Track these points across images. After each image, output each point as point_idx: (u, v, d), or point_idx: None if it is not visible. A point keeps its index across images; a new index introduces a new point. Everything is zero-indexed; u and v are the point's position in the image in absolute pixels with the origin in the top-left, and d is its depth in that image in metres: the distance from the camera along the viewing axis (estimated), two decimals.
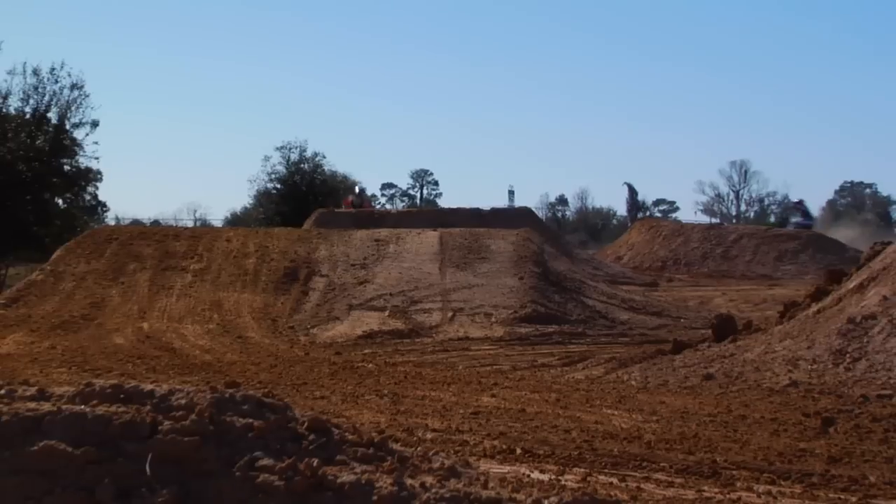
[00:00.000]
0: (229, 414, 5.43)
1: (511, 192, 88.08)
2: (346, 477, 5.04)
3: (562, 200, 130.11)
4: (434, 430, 12.16)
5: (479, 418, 13.06)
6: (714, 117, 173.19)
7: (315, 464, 5.07)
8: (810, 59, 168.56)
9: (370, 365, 19.51)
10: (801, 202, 76.31)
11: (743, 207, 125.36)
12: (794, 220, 67.61)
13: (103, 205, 57.10)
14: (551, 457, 10.75)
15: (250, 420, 5.42)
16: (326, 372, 18.18)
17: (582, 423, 12.65)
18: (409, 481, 5.07)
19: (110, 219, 61.98)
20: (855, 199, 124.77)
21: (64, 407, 5.41)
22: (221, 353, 21.49)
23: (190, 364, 19.49)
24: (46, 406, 5.47)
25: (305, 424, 5.55)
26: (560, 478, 9.52)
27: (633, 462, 10.50)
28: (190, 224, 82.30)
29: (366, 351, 22.65)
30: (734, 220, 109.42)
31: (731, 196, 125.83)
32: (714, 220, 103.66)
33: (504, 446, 11.16)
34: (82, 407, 5.42)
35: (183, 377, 17.10)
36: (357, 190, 28.88)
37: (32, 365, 18.72)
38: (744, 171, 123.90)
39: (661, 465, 10.40)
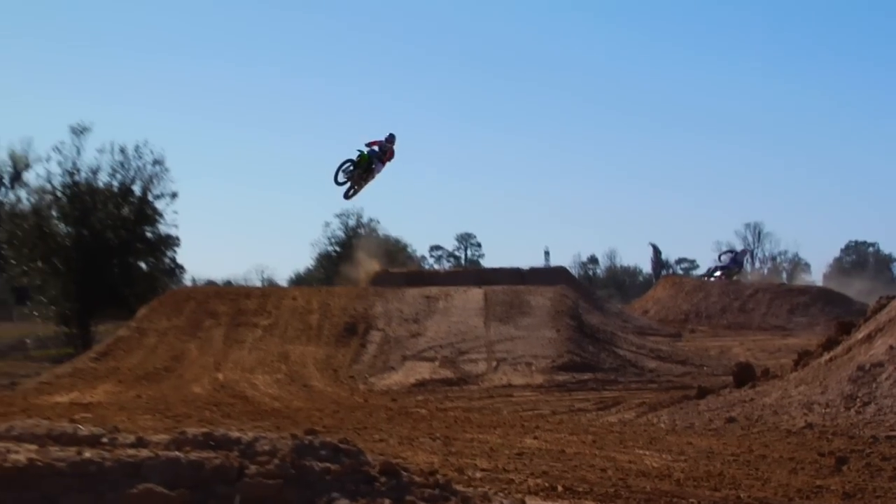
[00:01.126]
0: (308, 458, 5.49)
1: (547, 253, 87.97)
2: None
3: (592, 259, 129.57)
4: (483, 470, 12.14)
5: (524, 458, 13.03)
6: (730, 183, 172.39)
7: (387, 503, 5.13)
8: (816, 128, 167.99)
9: (423, 410, 19.50)
10: (740, 252, 75.86)
11: (757, 265, 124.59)
12: (721, 263, 66.64)
13: (181, 267, 57.37)
14: (590, 494, 10.72)
15: (327, 464, 5.47)
16: (384, 417, 18.18)
17: (617, 463, 12.61)
18: None
19: (187, 280, 62.29)
20: (859, 257, 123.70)
21: (161, 453, 5.48)
22: (289, 400, 21.55)
23: (261, 410, 19.55)
24: (145, 452, 5.55)
25: (377, 468, 5.60)
26: None
27: (664, 498, 10.46)
28: (258, 284, 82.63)
29: (419, 397, 22.64)
30: (749, 277, 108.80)
31: (746, 255, 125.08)
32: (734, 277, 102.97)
33: (547, 484, 11.13)
34: (177, 453, 5.50)
35: (255, 422, 17.15)
36: (389, 135, 31.24)
37: (121, 412, 18.84)
38: (757, 232, 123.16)
39: (690, 501, 10.35)
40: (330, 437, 6.23)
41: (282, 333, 30.20)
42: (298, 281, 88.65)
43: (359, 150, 30.20)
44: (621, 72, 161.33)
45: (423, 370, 26.19)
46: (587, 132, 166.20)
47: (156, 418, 17.92)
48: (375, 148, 30.57)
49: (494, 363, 26.79)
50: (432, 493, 5.54)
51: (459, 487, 5.98)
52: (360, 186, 29.98)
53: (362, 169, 30.39)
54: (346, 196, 29.33)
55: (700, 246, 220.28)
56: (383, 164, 29.75)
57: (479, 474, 11.82)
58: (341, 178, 30.91)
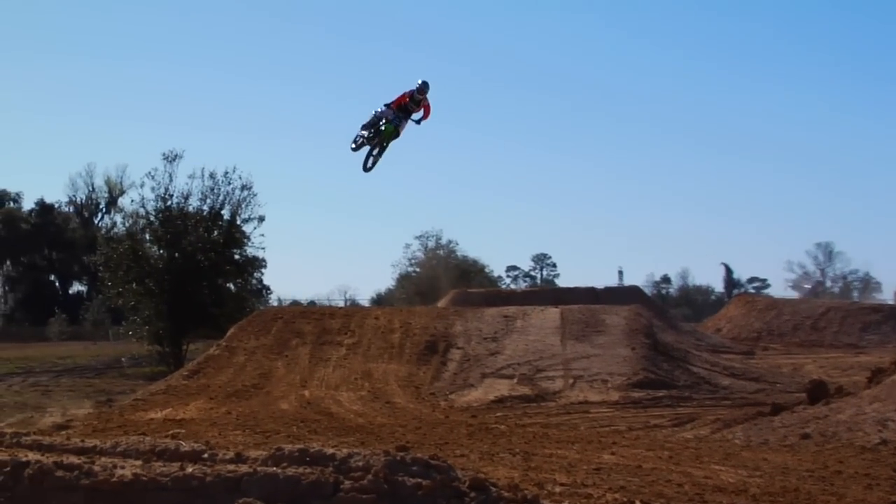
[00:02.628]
0: (400, 474, 5.54)
1: (620, 273, 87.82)
2: None
3: (665, 279, 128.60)
4: (562, 485, 12.12)
5: (601, 473, 12.99)
6: (801, 203, 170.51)
7: None
8: (887, 148, 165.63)
9: (502, 426, 19.51)
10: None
11: (828, 284, 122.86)
12: None
13: (268, 288, 57.89)
14: None
15: (419, 480, 5.52)
16: (464, 433, 18.22)
17: (693, 478, 12.53)
18: None
19: (273, 300, 62.77)
20: None
21: (259, 469, 5.57)
22: (372, 416, 21.65)
23: (346, 427, 19.66)
24: (244, 468, 5.64)
25: (467, 483, 5.64)
26: None
27: None
28: (341, 304, 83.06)
29: (498, 414, 22.63)
30: (820, 295, 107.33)
31: (818, 274, 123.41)
32: (803, 295, 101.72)
33: (624, 499, 11.07)
34: (274, 468, 5.57)
35: (340, 438, 17.26)
36: (421, 83, 24.42)
37: (212, 428, 19.04)
38: (828, 252, 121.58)
39: None
40: (419, 453, 6.28)
41: (365, 352, 30.33)
42: (380, 301, 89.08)
43: (381, 121, 24.08)
44: (693, 99, 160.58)
45: (502, 387, 26.17)
46: (660, 155, 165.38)
47: (246, 434, 18.10)
48: (402, 107, 24.82)
49: (571, 380, 26.71)
50: None
51: (546, 503, 5.99)
52: (381, 154, 25.58)
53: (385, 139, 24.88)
54: (365, 168, 24.95)
55: (771, 265, 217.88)
56: (418, 121, 24.17)
57: (558, 489, 11.80)
58: (359, 142, 25.35)
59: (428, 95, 24.02)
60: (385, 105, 23.74)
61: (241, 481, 5.54)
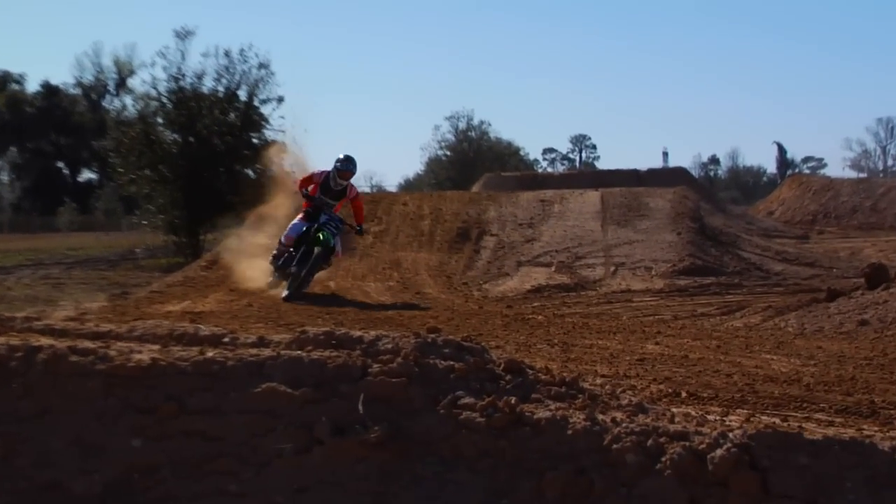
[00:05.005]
0: (432, 357, 5.59)
1: (665, 154, 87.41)
2: (542, 413, 5.17)
3: (713, 160, 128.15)
4: (603, 376, 12.17)
5: (645, 364, 13.04)
6: (860, 77, 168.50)
7: (513, 401, 5.21)
8: None
9: (539, 317, 19.56)
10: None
11: (890, 162, 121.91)
12: None
13: (288, 174, 57.93)
14: (715, 399, 10.69)
15: (451, 362, 5.57)
16: (499, 324, 18.27)
17: (743, 368, 12.57)
18: (600, 416, 5.18)
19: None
20: None
21: (283, 352, 5.63)
22: (401, 307, 21.75)
23: (374, 318, 19.76)
24: (267, 352, 5.70)
25: (502, 366, 5.69)
26: (725, 418, 9.50)
27: (793, 403, 10.40)
28: (367, 190, 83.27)
29: (535, 304, 22.71)
30: (881, 175, 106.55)
31: (878, 152, 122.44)
32: (861, 175, 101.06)
33: (670, 390, 11.13)
34: (299, 352, 5.63)
35: (368, 331, 17.33)
36: (342, 158, 20.55)
37: (233, 321, 19.10)
38: (890, 128, 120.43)
39: (821, 406, 10.28)
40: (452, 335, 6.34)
41: (393, 240, 30.42)
42: (408, 187, 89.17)
43: (321, 233, 20.48)
44: None
45: (539, 276, 26.24)
46: (706, 32, 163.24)
47: (268, 326, 18.21)
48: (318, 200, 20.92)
49: (613, 268, 26.76)
50: (558, 390, 5.61)
51: (586, 385, 6.04)
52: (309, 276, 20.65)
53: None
54: (288, 297, 20.18)
55: (828, 143, 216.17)
56: (360, 230, 21.94)
57: (599, 380, 11.87)
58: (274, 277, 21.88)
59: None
60: (302, 191, 20.92)
61: (263, 365, 5.60)
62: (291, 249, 21.02)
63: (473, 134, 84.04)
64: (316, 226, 20.72)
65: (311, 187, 21.03)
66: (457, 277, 26.58)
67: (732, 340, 15.53)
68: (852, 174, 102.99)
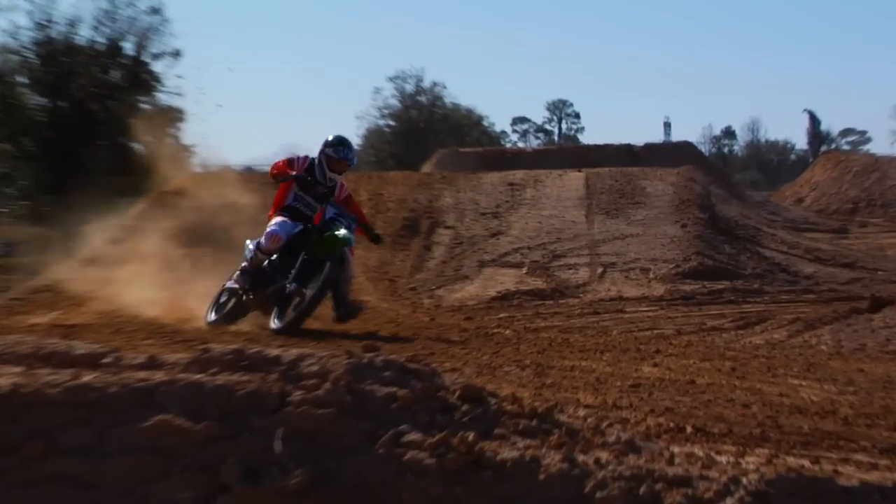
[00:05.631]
0: (369, 382, 5.62)
1: (667, 125, 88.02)
2: (507, 453, 5.21)
3: (728, 133, 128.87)
4: (587, 406, 12.20)
5: (640, 391, 13.10)
6: None
7: (471, 438, 5.24)
8: None
9: (507, 331, 19.59)
10: None
11: None
12: None
13: (188, 149, 57.75)
14: (728, 436, 10.74)
15: (393, 389, 5.59)
16: (456, 340, 18.29)
17: (763, 397, 12.65)
18: (581, 457, 5.21)
19: (196, 166, 62.64)
20: None
21: (179, 376, 5.63)
22: (329, 318, 21.68)
23: (295, 333, 19.67)
24: (159, 375, 5.71)
25: (457, 393, 5.72)
26: (741, 460, 9.57)
27: (827, 441, 10.47)
28: None
29: (501, 315, 22.75)
30: None
31: None
32: None
33: (672, 424, 11.16)
34: (200, 376, 5.64)
35: (287, 349, 17.22)
36: (332, 140, 17.85)
37: (116, 336, 18.93)
38: None
39: (862, 444, 10.36)
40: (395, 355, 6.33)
41: None
42: None
43: (333, 231, 17.67)
44: None
45: (507, 279, 26.31)
46: None
47: (162, 343, 18.10)
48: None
49: (600, 269, 26.87)
50: (528, 424, 5.65)
51: (563, 417, 6.09)
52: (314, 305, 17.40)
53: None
54: (282, 329, 17.03)
55: (872, 113, 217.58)
56: (376, 237, 19.32)
57: (582, 412, 11.91)
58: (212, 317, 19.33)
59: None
60: (276, 175, 18.47)
61: (155, 393, 5.61)
62: (273, 257, 18.11)
63: (424, 99, 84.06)
64: (320, 223, 17.75)
65: (280, 167, 18.47)
66: (402, 281, 26.61)
67: (751, 361, 15.64)
68: None
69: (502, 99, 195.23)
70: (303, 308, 17.25)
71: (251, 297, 18.46)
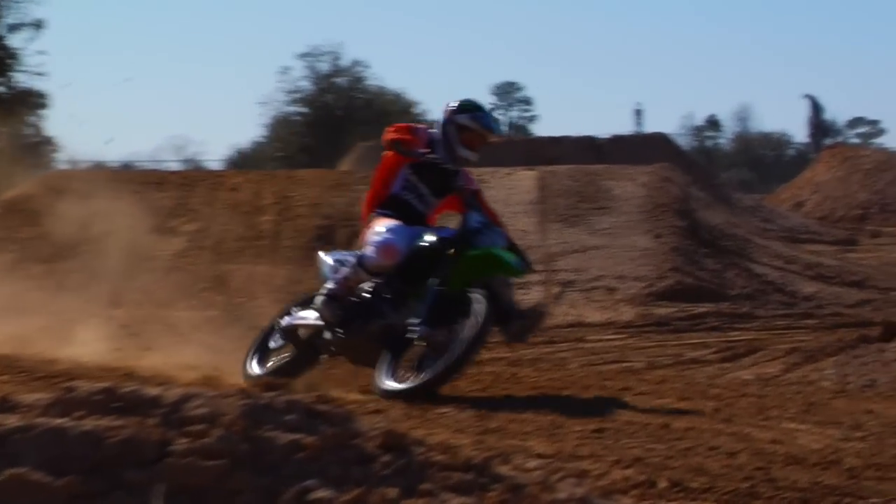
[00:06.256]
0: (268, 427, 5.63)
1: (638, 113, 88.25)
2: None
3: (713, 123, 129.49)
4: (540, 456, 12.25)
5: (605, 437, 13.17)
6: None
7: (392, 495, 5.26)
8: None
9: None
10: None
11: None
12: None
13: (50, 142, 57.51)
14: (710, 491, 10.82)
15: (298, 435, 5.61)
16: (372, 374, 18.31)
17: (753, 444, 12.75)
18: None
19: (63, 163, 62.39)
20: None
21: (37, 421, 5.62)
22: (230, 351, 21.59)
23: (181, 367, 19.54)
24: (12, 420, 5.68)
25: (377, 440, 5.74)
26: None
27: (829, 498, 10.56)
28: (177, 167, 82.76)
29: None
30: None
31: None
32: None
33: (642, 477, 11.21)
34: (63, 420, 5.63)
35: (170, 387, 17.13)
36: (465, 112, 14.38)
37: None
38: None
39: (871, 500, 10.47)
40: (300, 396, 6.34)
41: (216, 245, 30.36)
42: (242, 163, 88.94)
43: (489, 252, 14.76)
44: None
45: None
46: None
47: (16, 379, 18.00)
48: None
49: (557, 289, 26.97)
50: (463, 478, 5.68)
51: (507, 470, 6.12)
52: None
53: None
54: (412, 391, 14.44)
55: (887, 100, 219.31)
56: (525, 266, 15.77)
57: (532, 463, 11.94)
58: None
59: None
60: (397, 143, 14.95)
61: (7, 441, 5.60)
62: (375, 282, 15.02)
63: (342, 81, 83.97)
64: (459, 233, 14.93)
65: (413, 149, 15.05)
66: None
67: (738, 401, 15.76)
68: None
69: (440, 82, 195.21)
70: (448, 364, 14.24)
71: (339, 335, 15.09)
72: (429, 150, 14.89)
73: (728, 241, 32.56)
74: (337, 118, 77.90)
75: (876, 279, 31.29)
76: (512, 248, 15.28)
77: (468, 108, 15.34)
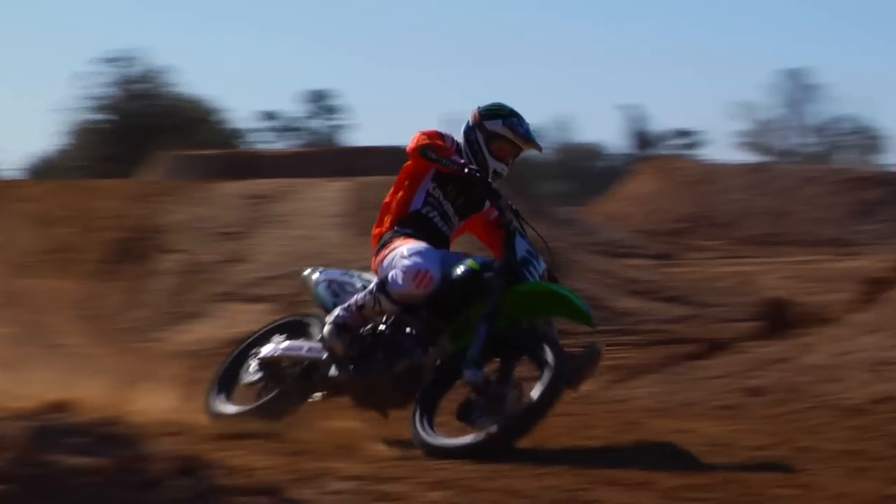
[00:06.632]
0: (54, 451, 5.53)
1: (448, 124, 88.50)
2: None
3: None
4: (346, 479, 12.14)
5: (415, 460, 13.11)
6: (763, 19, 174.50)
7: None
8: None
9: None
10: None
11: (803, 139, 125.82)
12: None
13: None
14: None
15: (87, 458, 5.52)
16: (182, 395, 18.17)
17: (572, 464, 12.72)
18: None
19: None
20: None
21: None
22: (23, 372, 21.33)
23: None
24: None
25: (169, 464, 5.67)
26: None
27: None
28: None
29: None
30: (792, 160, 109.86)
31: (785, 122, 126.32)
32: (763, 159, 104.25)
33: (453, 500, 11.19)
34: None
35: None
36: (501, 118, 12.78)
37: None
38: (801, 87, 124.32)
39: None
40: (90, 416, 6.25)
41: (10, 259, 30.01)
42: (40, 172, 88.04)
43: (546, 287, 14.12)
44: None
45: (249, 316, 26.25)
46: None
47: None
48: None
49: None
50: (255, 501, 5.65)
51: (308, 493, 6.09)
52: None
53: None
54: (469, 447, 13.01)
55: (708, 110, 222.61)
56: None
57: (336, 485, 11.83)
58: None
59: None
60: (435, 154, 13.16)
61: None
62: (405, 317, 13.31)
63: (144, 87, 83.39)
64: (502, 261, 13.54)
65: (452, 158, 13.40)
66: (115, 319, 26.38)
67: (556, 420, 15.78)
68: (747, 158, 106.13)
69: (247, 87, 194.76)
70: (524, 415, 13.08)
71: (349, 372, 13.62)
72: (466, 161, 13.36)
73: (544, 255, 32.73)
74: (140, 126, 77.38)
75: (695, 294, 31.62)
76: (553, 278, 14.23)
77: (501, 112, 13.84)
